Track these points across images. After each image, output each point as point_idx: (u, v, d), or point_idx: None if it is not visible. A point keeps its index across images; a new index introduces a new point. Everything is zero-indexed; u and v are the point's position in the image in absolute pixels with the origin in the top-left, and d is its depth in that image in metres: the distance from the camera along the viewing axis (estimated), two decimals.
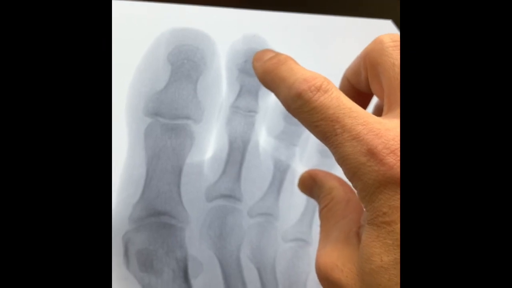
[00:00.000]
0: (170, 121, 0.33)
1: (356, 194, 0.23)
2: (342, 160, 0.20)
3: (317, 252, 0.23)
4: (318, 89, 0.21)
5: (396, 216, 0.18)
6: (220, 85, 0.35)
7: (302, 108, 0.21)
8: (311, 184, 0.27)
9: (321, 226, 0.24)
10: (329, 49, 0.36)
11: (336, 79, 0.35)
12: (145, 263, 0.33)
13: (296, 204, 0.37)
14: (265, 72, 0.23)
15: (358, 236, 0.21)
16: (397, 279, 0.18)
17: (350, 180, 0.20)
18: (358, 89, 0.26)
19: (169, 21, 0.33)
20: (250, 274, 0.35)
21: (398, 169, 0.18)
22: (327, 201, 0.25)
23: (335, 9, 0.35)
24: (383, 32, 0.23)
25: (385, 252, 0.19)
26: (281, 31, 0.35)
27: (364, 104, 0.27)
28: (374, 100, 0.28)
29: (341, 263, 0.21)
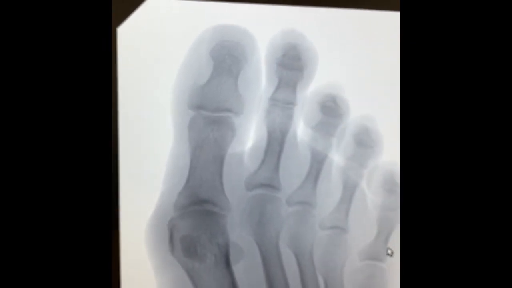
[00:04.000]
0: (212, 114, 0.35)
1: None
2: None
3: None
4: None
5: None
6: (260, 79, 0.35)
7: None
8: None
9: None
10: (366, 43, 0.36)
11: (371, 74, 0.35)
12: (189, 249, 0.35)
13: (332, 192, 0.37)
14: None
15: None
16: None
17: None
18: None
19: (212, 18, 0.34)
20: (288, 260, 0.36)
21: None
22: None
23: (372, 3, 0.36)
24: None
25: None
26: (318, 25, 0.35)
27: None
28: None
29: None
